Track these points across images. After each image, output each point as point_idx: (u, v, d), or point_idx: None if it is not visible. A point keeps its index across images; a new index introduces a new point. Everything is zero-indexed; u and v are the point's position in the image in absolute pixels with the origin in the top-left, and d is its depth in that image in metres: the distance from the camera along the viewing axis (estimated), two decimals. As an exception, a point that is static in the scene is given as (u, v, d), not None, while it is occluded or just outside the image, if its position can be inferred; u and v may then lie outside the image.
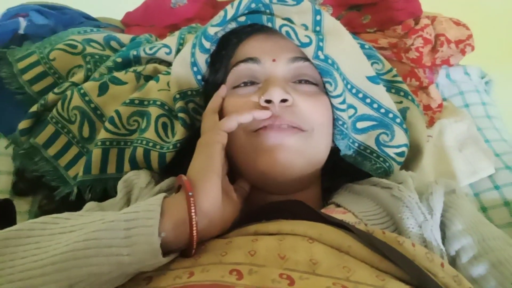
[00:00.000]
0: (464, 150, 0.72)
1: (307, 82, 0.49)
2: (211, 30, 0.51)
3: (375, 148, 0.54)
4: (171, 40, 0.69)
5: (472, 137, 0.73)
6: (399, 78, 0.61)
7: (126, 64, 0.67)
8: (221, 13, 0.51)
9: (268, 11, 0.50)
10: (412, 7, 0.84)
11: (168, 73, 0.62)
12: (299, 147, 0.45)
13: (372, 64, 0.59)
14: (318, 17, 0.50)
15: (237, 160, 0.49)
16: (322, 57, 0.48)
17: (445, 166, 0.70)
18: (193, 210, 0.35)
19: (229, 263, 0.32)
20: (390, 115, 0.54)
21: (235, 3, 0.50)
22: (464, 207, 0.45)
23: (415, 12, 0.84)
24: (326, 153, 0.51)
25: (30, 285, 0.31)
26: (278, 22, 0.48)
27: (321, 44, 0.48)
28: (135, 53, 0.67)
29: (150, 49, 0.66)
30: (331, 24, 0.51)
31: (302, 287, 0.29)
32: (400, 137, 0.54)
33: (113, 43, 0.73)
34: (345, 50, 0.51)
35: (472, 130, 0.74)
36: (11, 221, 0.54)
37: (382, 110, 0.53)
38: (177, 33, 0.70)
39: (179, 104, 0.55)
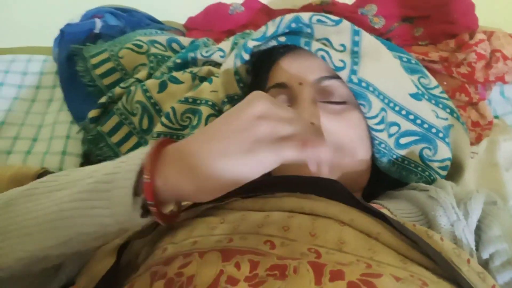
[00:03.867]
0: (510, 170, 0.70)
1: (335, 102, 0.49)
2: (250, 44, 0.54)
3: (420, 162, 0.56)
4: (226, 44, 0.74)
5: (521, 157, 0.71)
6: (445, 95, 0.61)
7: (184, 65, 0.73)
8: (263, 28, 0.54)
9: (308, 30, 0.52)
10: (467, 21, 0.83)
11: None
12: (336, 165, 0.47)
13: (419, 78, 0.60)
14: (356, 38, 0.51)
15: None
16: (355, 80, 0.48)
17: (489, 184, 0.69)
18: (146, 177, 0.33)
19: (265, 234, 0.35)
20: (433, 130, 0.55)
21: (277, 21, 0.52)
22: (504, 217, 0.45)
23: (470, 26, 0.83)
24: (364, 167, 0.51)
25: (29, 240, 0.34)
26: (315, 46, 0.49)
27: (355, 67, 0.49)
28: (192, 55, 0.73)
29: (206, 52, 0.71)
30: (370, 44, 0.51)
31: (327, 259, 0.31)
32: (443, 151, 0.55)
33: (174, 45, 0.79)
34: (384, 70, 0.51)
35: (523, 149, 0.72)
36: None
37: (426, 126, 0.54)
38: (231, 38, 0.75)
39: (227, 107, 0.60)
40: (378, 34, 0.84)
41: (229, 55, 0.71)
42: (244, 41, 0.57)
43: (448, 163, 0.55)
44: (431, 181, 0.56)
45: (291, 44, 0.52)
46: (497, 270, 0.40)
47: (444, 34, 0.83)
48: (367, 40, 0.52)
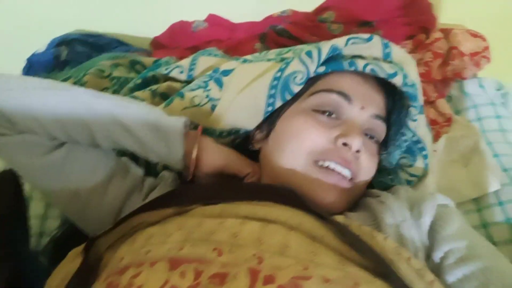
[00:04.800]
0: (469, 165, 0.71)
1: (373, 138, 0.54)
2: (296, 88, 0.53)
3: (394, 168, 0.59)
4: (185, 61, 0.76)
5: (478, 152, 0.72)
6: None
7: (145, 84, 0.75)
8: (302, 69, 0.53)
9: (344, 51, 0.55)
10: (424, 22, 0.85)
11: (193, 90, 0.65)
12: (348, 194, 0.50)
13: None
14: (387, 50, 0.55)
15: (282, 165, 0.51)
16: (410, 83, 0.52)
17: (448, 181, 0.70)
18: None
19: (215, 241, 0.37)
20: (419, 145, 0.58)
21: (315, 58, 0.53)
22: (456, 219, 0.48)
23: (426, 26, 0.84)
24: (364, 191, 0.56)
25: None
26: (360, 64, 0.52)
27: (405, 72, 0.53)
28: (153, 73, 0.75)
29: (166, 69, 0.74)
30: (400, 54, 0.56)
31: (267, 264, 0.33)
32: (417, 168, 0.58)
33: (138, 66, 0.82)
34: (415, 76, 0.56)
35: (480, 145, 0.73)
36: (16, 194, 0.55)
37: (415, 138, 0.58)
38: (192, 56, 0.77)
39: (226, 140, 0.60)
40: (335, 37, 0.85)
41: (188, 70, 0.73)
42: (281, 85, 0.54)
43: (416, 179, 0.58)
44: (390, 186, 0.58)
45: (334, 70, 0.53)
46: (450, 268, 0.42)
47: (402, 35, 0.85)
48: (397, 50, 0.56)
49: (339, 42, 0.54)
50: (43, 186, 0.52)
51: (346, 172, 0.49)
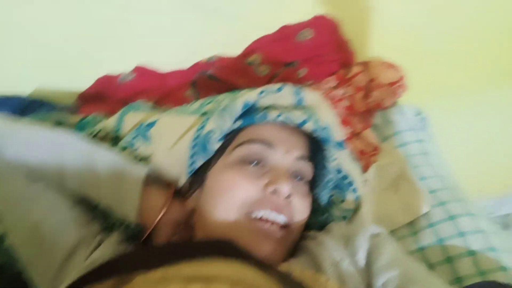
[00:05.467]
0: (399, 191, 0.75)
1: (302, 180, 0.55)
2: (215, 145, 0.55)
3: (326, 206, 0.60)
4: (112, 120, 0.74)
5: (405, 177, 0.76)
6: None
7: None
8: (218, 127, 0.54)
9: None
10: (344, 58, 0.90)
11: (121, 150, 0.63)
12: (285, 241, 0.51)
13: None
14: (299, 96, 0.58)
15: (215, 219, 0.51)
16: (322, 127, 0.55)
17: (382, 209, 0.73)
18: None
19: None
20: (347, 181, 0.60)
21: (227, 117, 0.55)
22: (388, 247, 0.51)
23: (346, 62, 0.90)
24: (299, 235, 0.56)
25: None
26: (272, 115, 0.54)
27: (315, 117, 0.56)
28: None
29: (91, 133, 0.71)
30: (312, 98, 0.59)
31: None
32: (349, 203, 0.60)
33: (63, 127, 0.79)
34: (328, 118, 0.59)
35: (406, 170, 0.77)
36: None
37: (340, 174, 0.61)
38: (118, 113, 0.75)
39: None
40: (265, 82, 0.88)
41: (115, 130, 0.71)
42: (201, 140, 0.56)
43: (349, 214, 0.60)
44: (325, 224, 0.59)
45: (248, 124, 0.55)
46: None
47: (325, 72, 0.89)
48: (309, 95, 0.59)
49: (251, 96, 0.56)
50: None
51: (280, 219, 0.50)
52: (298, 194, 0.53)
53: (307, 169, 0.56)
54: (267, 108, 0.58)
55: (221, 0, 0.87)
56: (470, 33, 0.93)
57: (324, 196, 0.59)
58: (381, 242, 0.52)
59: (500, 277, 0.59)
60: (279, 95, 0.57)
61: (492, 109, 1.09)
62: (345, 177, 0.61)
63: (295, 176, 0.54)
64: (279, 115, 0.54)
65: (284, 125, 0.56)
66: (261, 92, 0.57)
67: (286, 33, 0.90)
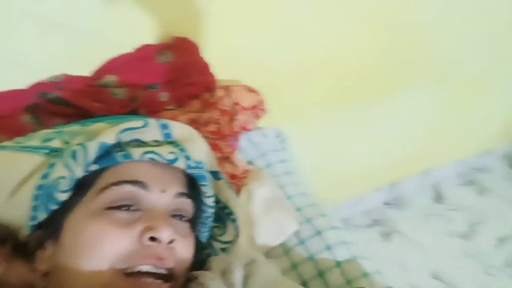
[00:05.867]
0: (270, 212, 0.76)
1: (183, 218, 0.49)
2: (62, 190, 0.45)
3: (208, 240, 0.56)
4: None
5: (275, 198, 0.78)
6: None
7: None
8: (67, 174, 0.45)
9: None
10: (206, 81, 0.89)
11: None
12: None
13: None
14: (166, 131, 0.52)
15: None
16: (193, 164, 0.50)
17: (255, 233, 0.73)
18: None
19: None
20: (226, 211, 0.57)
21: (80, 158, 0.45)
22: (263, 272, 0.51)
23: (209, 86, 0.89)
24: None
25: None
26: (137, 153, 0.46)
27: (186, 153, 0.50)
28: None
29: None
30: (181, 132, 0.54)
31: None
32: (229, 234, 0.57)
33: None
34: (201, 151, 0.54)
35: (274, 191, 0.79)
36: None
37: (219, 205, 0.58)
38: None
39: None
40: (123, 105, 0.80)
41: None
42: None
43: (230, 245, 0.57)
44: (205, 259, 0.56)
45: (107, 165, 0.46)
46: None
47: (188, 96, 0.86)
48: (177, 128, 0.53)
49: (108, 137, 0.48)
50: None
51: (163, 270, 0.44)
52: (181, 237, 0.48)
53: (187, 206, 0.51)
54: (130, 143, 0.51)
55: (65, 14, 0.75)
56: (319, 58, 1.04)
57: (204, 232, 0.55)
58: (255, 268, 0.52)
59: (364, 283, 0.65)
60: (145, 131, 0.51)
61: (336, 126, 1.24)
62: (224, 207, 0.59)
63: (175, 215, 0.49)
64: (146, 152, 0.48)
65: (155, 161, 0.49)
66: (122, 131, 0.49)
67: (145, 54, 0.84)
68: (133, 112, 0.81)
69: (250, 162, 0.87)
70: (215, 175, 0.58)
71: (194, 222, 0.54)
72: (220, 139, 0.83)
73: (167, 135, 0.53)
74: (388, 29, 1.08)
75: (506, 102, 1.69)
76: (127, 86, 0.83)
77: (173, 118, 0.82)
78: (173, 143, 0.53)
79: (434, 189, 1.79)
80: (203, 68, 0.91)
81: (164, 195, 0.47)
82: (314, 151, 1.19)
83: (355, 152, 1.41)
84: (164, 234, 0.43)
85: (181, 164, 0.49)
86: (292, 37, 0.96)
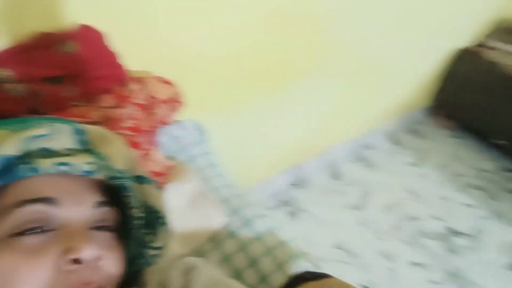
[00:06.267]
0: (197, 208, 0.76)
1: (107, 229, 0.43)
2: None
3: (138, 249, 0.51)
4: None
5: (201, 192, 0.78)
6: None
7: None
8: None
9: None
10: (116, 74, 0.83)
11: None
12: None
13: None
14: (80, 136, 0.46)
15: None
16: (114, 175, 0.44)
17: (185, 230, 0.72)
18: None
19: None
20: (156, 215, 0.52)
21: None
22: (200, 280, 0.49)
23: (120, 78, 0.83)
24: None
25: None
26: (46, 164, 0.39)
27: (106, 162, 0.44)
28: None
29: None
30: (98, 136, 0.47)
31: None
32: (162, 239, 0.53)
33: None
34: (123, 156, 0.48)
35: (200, 185, 0.79)
36: None
37: (149, 210, 0.51)
38: None
39: None
40: (22, 103, 0.70)
41: None
42: None
43: (162, 252, 0.54)
44: (139, 270, 0.52)
45: (9, 182, 0.39)
46: None
47: (98, 90, 0.79)
48: (93, 132, 0.47)
49: (9, 148, 0.40)
50: None
51: None
52: (107, 251, 0.42)
53: (110, 215, 0.45)
54: (38, 153, 0.43)
55: None
56: (231, 49, 1.04)
57: (134, 243, 0.51)
58: (194, 275, 0.50)
59: (293, 265, 0.70)
60: (53, 138, 0.44)
61: (247, 114, 1.27)
62: (153, 211, 0.54)
63: (97, 227, 0.43)
64: (57, 164, 0.41)
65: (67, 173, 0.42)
66: (26, 140, 0.42)
67: (45, 43, 0.74)
68: (35, 111, 0.72)
69: (171, 157, 0.85)
70: (140, 179, 0.52)
71: (121, 230, 0.48)
72: (139, 135, 0.79)
73: (82, 142, 0.46)
74: (295, 18, 1.13)
75: (388, 86, 1.92)
76: (25, 81, 0.73)
77: (83, 115, 0.75)
78: (89, 150, 0.46)
79: (331, 168, 1.97)
80: (112, 59, 0.84)
81: (81, 208, 0.41)
82: (227, 139, 1.20)
83: (265, 138, 1.47)
84: (87, 252, 0.37)
85: (100, 175, 0.43)
86: (206, 28, 0.95)
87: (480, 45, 2.25)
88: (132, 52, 0.86)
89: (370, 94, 1.82)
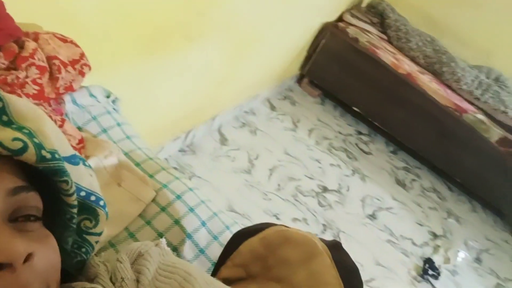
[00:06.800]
0: (123, 183, 0.70)
1: (31, 218, 0.35)
2: None
3: (77, 238, 0.45)
4: None
5: (124, 167, 0.72)
6: None
7: None
8: None
9: None
10: (8, 27, 0.67)
11: None
12: None
13: None
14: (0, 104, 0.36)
15: None
16: (48, 156, 0.36)
17: (112, 207, 0.66)
18: None
19: None
20: (92, 198, 0.45)
21: None
22: (155, 261, 0.47)
23: (13, 33, 0.68)
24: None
25: None
26: None
27: (36, 140, 0.36)
28: None
29: None
30: (23, 107, 0.38)
31: None
32: (102, 224, 0.47)
33: None
34: (52, 133, 0.39)
35: (122, 159, 0.72)
36: None
37: (82, 193, 0.44)
38: None
39: None
40: None
41: None
42: None
43: (107, 239, 0.48)
44: (85, 260, 0.47)
45: None
46: None
47: (-16, 46, 0.64)
48: (16, 103, 0.38)
49: None
50: None
51: None
52: (38, 244, 0.34)
53: (31, 201, 0.37)
54: None
55: None
56: (123, 11, 0.93)
57: (69, 235, 0.44)
58: (146, 262, 0.47)
59: (226, 235, 0.71)
60: None
61: (141, 79, 1.19)
62: (89, 195, 0.48)
63: (17, 218, 0.35)
64: None
65: None
66: None
67: None
68: None
69: (80, 128, 0.75)
70: (71, 160, 0.44)
71: (48, 215, 0.40)
72: (44, 104, 0.67)
73: (2, 111, 0.36)
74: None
75: (265, 56, 2.01)
76: None
77: (-29, 78, 0.59)
78: (12, 124, 0.36)
79: (219, 133, 2.00)
80: (-4, 7, 0.68)
81: None
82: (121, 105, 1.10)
83: (158, 103, 1.40)
84: (14, 251, 0.30)
85: (30, 155, 0.35)
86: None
87: (340, 20, 2.52)
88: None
89: (250, 62, 1.88)
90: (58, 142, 0.42)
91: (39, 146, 0.36)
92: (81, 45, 0.78)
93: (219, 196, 1.71)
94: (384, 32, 2.52)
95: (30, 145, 0.35)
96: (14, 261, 0.30)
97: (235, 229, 0.73)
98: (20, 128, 0.36)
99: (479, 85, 2.29)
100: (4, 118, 0.36)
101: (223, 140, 1.99)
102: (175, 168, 1.65)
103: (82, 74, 0.76)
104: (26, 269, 0.31)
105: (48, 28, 0.79)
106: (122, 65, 1.06)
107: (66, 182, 0.39)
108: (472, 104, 2.28)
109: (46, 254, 0.35)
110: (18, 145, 0.34)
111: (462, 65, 2.34)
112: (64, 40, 0.77)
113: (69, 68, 0.74)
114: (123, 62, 1.05)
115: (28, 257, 0.31)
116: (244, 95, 2.10)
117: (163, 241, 0.53)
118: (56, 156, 0.38)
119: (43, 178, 0.39)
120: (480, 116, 2.21)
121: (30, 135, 0.36)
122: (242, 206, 1.73)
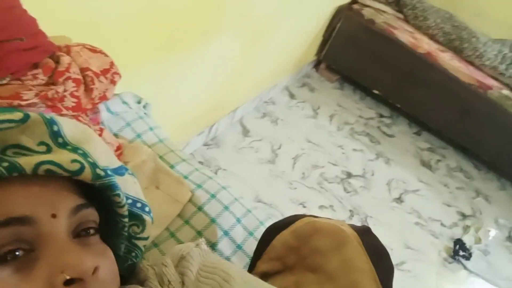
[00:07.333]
0: (160, 186, 0.73)
1: (90, 231, 0.38)
2: None
3: (127, 243, 0.48)
4: None
5: (160, 170, 0.75)
6: None
7: None
8: None
9: None
10: (42, 43, 0.70)
11: None
12: None
13: None
14: (55, 128, 0.38)
15: None
16: (102, 173, 0.38)
17: (153, 211, 0.69)
18: None
19: None
20: (139, 205, 0.49)
21: None
22: (194, 269, 0.48)
23: (48, 49, 0.71)
24: None
25: None
26: (27, 164, 0.33)
27: (90, 159, 0.38)
28: None
29: None
30: (75, 130, 0.41)
31: None
32: (149, 228, 0.50)
33: None
34: (101, 150, 0.42)
35: (158, 162, 0.75)
36: None
37: (129, 201, 0.47)
38: None
39: None
40: None
41: None
42: None
43: (150, 240, 0.51)
44: (135, 263, 0.50)
45: None
46: None
47: (27, 63, 0.67)
48: (69, 125, 0.40)
49: None
50: None
51: None
52: (101, 257, 0.38)
53: (92, 215, 0.40)
54: (10, 151, 0.35)
55: None
56: (142, 9, 0.95)
57: (121, 242, 0.47)
58: (185, 270, 0.50)
59: (261, 230, 0.74)
60: (23, 128, 0.36)
61: (164, 76, 1.21)
62: (135, 202, 0.51)
63: (80, 232, 0.38)
64: (40, 163, 0.34)
65: (28, 179, 0.35)
66: None
67: None
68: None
69: (116, 135, 0.78)
70: (119, 171, 0.48)
71: (102, 226, 0.43)
72: (82, 115, 0.70)
73: (57, 134, 0.38)
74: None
75: (286, 42, 2.01)
76: None
77: (16, 97, 0.63)
78: (67, 145, 0.39)
79: (241, 125, 2.02)
80: (31, 24, 0.71)
81: (57, 219, 0.35)
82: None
83: (181, 101, 1.43)
84: (84, 266, 0.33)
85: (87, 175, 0.37)
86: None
87: (355, 2, 2.48)
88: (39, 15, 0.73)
89: (267, 52, 1.88)
90: (107, 157, 0.45)
91: (93, 165, 0.38)
92: (106, 51, 0.81)
93: (245, 187, 1.75)
94: (400, 11, 2.47)
95: (86, 165, 0.37)
96: (85, 276, 0.33)
97: (269, 224, 0.75)
98: (75, 150, 0.39)
99: (503, 59, 2.23)
100: (60, 140, 0.39)
101: (245, 132, 2.01)
102: (201, 163, 1.69)
103: (113, 82, 0.79)
104: (94, 282, 0.35)
105: (76, 38, 0.82)
106: (144, 68, 1.08)
107: (118, 195, 0.41)
108: (496, 79, 2.23)
109: (108, 265, 0.39)
110: (76, 166, 0.36)
111: (484, 40, 2.28)
112: (94, 50, 0.80)
113: (101, 78, 0.77)
114: (145, 66, 1.08)
115: (94, 270, 0.35)
116: (263, 85, 2.11)
117: (202, 241, 0.55)
118: (109, 172, 0.40)
119: (97, 192, 0.42)
120: (506, 92, 2.16)
121: (85, 155, 0.39)
122: (268, 196, 1.75)
